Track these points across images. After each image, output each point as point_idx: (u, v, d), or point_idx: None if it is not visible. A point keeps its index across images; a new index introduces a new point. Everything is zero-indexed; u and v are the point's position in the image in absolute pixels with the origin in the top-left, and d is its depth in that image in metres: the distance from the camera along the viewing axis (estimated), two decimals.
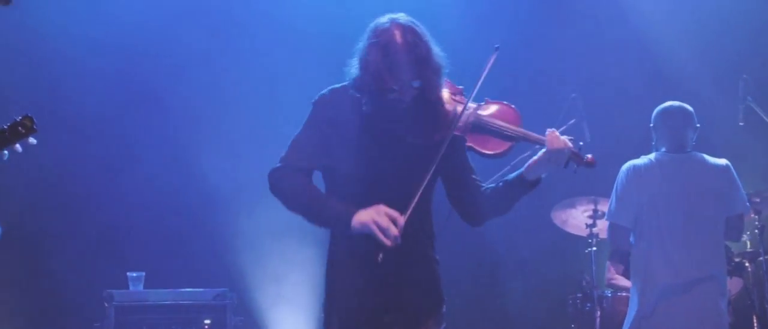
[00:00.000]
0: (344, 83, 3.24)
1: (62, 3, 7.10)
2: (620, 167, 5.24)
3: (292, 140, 3.26)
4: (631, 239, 5.19)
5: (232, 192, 7.22)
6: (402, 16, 3.15)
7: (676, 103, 5.26)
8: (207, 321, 6.27)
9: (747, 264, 6.20)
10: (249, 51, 7.43)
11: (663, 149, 5.20)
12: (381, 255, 2.98)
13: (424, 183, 3.06)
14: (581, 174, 6.08)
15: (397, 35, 3.08)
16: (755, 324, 6.07)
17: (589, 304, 6.42)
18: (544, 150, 3.18)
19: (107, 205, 7.24)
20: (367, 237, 3.05)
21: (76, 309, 6.87)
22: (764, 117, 6.33)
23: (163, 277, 6.62)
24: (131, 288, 6.40)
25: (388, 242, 2.96)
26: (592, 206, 6.51)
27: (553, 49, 7.68)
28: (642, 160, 5.21)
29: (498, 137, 3.17)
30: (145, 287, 6.41)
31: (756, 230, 6.21)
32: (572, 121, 6.49)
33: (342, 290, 3.24)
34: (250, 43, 7.46)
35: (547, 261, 7.60)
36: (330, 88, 3.29)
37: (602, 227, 6.27)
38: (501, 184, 3.27)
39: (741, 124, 6.32)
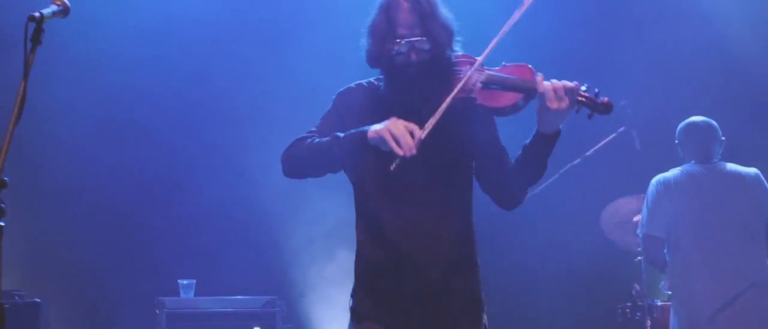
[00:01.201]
0: (370, 79, 3.32)
1: (119, 22, 7.23)
2: None
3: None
4: (666, 252, 5.16)
5: (282, 200, 7.26)
6: None
7: (700, 117, 5.29)
8: None
9: None
10: (296, 63, 7.47)
11: (692, 161, 5.20)
12: (395, 164, 2.87)
13: (437, 115, 2.92)
14: (632, 185, 6.00)
15: None
16: None
17: (638, 313, 6.35)
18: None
19: (159, 213, 7.33)
20: (396, 245, 3.06)
21: (128, 316, 6.97)
22: None
23: (213, 285, 6.70)
24: (182, 295, 6.48)
25: (400, 151, 2.86)
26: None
27: (602, 52, 7.60)
28: (671, 172, 5.22)
29: (506, 90, 3.06)
30: (195, 294, 6.50)
31: None
32: (622, 129, 6.44)
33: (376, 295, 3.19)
34: (297, 54, 7.51)
35: (595, 269, 7.53)
36: (354, 82, 3.37)
37: None
38: (521, 149, 3.20)
39: None
